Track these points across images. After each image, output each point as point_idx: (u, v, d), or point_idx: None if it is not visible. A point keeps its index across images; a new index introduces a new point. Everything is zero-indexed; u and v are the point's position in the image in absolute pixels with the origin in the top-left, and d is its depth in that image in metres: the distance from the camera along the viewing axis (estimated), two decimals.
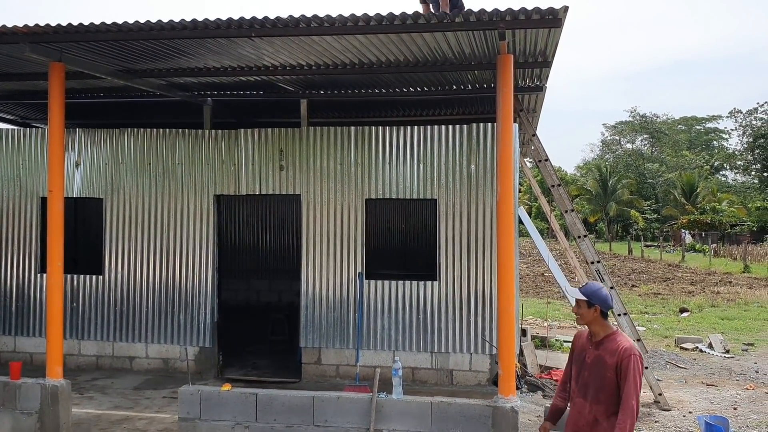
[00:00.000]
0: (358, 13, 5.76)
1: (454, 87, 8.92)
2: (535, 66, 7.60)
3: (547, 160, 9.22)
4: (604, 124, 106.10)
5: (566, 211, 9.11)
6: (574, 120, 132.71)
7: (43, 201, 10.02)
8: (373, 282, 9.27)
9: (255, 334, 11.97)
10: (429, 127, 9.21)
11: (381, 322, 9.21)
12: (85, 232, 11.81)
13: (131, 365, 9.81)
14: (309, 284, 9.37)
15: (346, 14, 5.76)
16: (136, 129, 9.87)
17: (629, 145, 75.42)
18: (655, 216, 58.42)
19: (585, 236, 9.06)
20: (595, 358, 3.90)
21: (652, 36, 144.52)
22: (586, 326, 4.01)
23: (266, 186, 9.53)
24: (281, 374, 9.51)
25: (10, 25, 5.95)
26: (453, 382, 9.08)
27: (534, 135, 9.33)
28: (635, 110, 73.47)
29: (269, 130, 9.59)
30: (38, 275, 9.99)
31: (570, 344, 4.53)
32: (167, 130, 9.81)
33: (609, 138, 78.24)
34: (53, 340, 6.23)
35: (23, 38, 6.00)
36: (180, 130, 9.78)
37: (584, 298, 3.92)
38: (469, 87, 8.88)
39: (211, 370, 9.50)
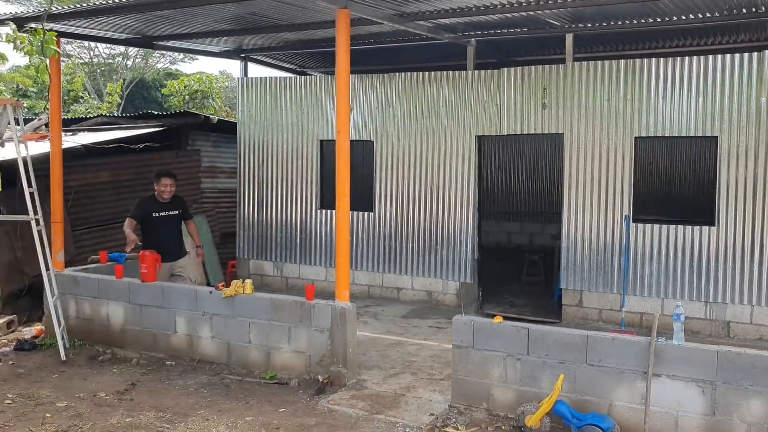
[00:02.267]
0: None
1: (744, 11, 7.99)
2: None
3: None
4: None
5: None
6: None
7: (322, 144, 10.96)
8: (640, 225, 8.85)
9: (509, 274, 12.12)
10: (710, 57, 8.40)
11: (648, 267, 8.79)
12: (359, 172, 12.73)
13: (398, 295, 10.51)
14: (570, 226, 9.21)
15: None
16: (403, 73, 10.31)
17: None
18: None
19: None
20: None
21: None
22: None
23: (527, 125, 9.45)
24: (540, 314, 9.56)
25: None
26: (729, 335, 8.44)
27: None
28: None
29: (532, 68, 9.44)
30: (317, 211, 11.03)
31: None
32: (432, 73, 10.10)
33: None
34: (341, 267, 6.86)
35: None
36: (444, 72, 10.02)
37: None
38: (762, 9, 7.90)
39: (472, 304, 9.85)
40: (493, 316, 6.31)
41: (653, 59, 8.70)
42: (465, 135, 9.87)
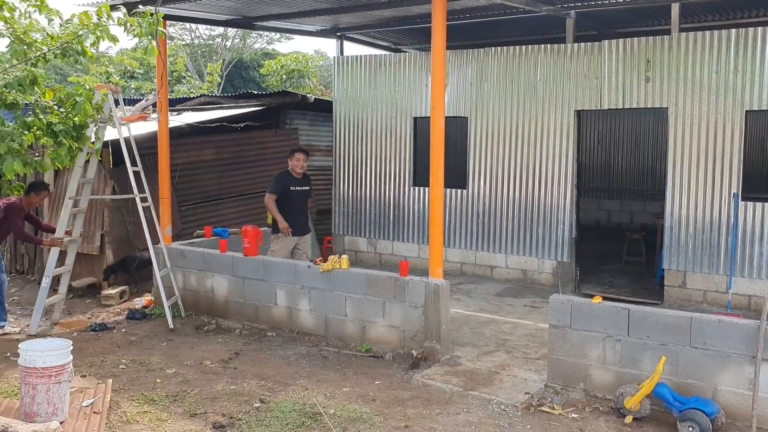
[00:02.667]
0: None
1: None
2: None
3: None
4: None
5: None
6: None
7: (415, 121, 10.98)
8: (749, 204, 8.40)
9: (609, 254, 11.80)
10: None
11: (758, 248, 8.35)
12: (452, 149, 12.69)
13: (491, 274, 10.45)
14: (674, 204, 8.85)
15: None
16: (499, 48, 10.14)
17: None
18: None
19: None
20: None
21: None
22: None
23: (629, 99, 9.12)
24: (640, 295, 9.28)
25: None
26: None
27: None
28: None
29: (635, 39, 9.08)
30: (411, 188, 11.08)
31: None
32: (529, 47, 9.89)
33: None
34: (435, 244, 6.89)
35: None
36: (542, 46, 9.78)
37: None
38: None
39: (569, 284, 9.67)
40: (590, 296, 6.18)
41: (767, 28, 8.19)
42: (564, 110, 9.63)
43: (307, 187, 8.46)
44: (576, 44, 9.51)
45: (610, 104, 9.27)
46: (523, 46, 9.94)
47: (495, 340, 7.47)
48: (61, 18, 6.57)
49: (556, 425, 5.36)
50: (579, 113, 9.61)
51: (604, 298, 6.09)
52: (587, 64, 9.38)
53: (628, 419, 5.38)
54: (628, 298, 8.88)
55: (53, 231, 8.33)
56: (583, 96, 9.45)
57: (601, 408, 5.62)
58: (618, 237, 12.22)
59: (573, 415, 5.54)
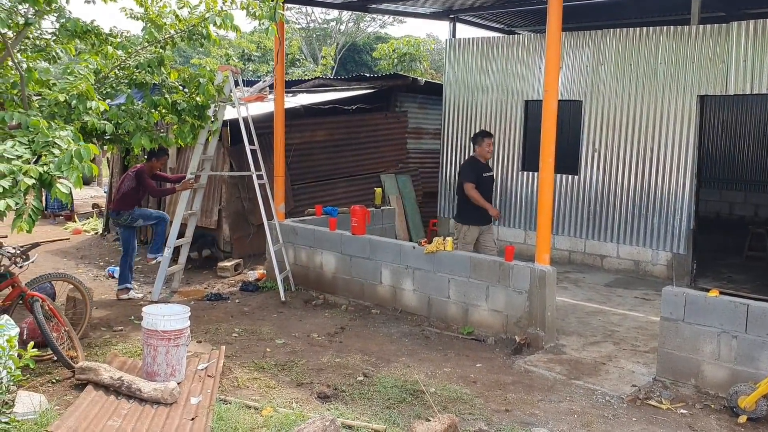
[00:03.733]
0: None
1: None
2: None
3: None
4: None
5: None
6: None
7: (527, 104, 10.79)
8: None
9: (729, 248, 11.19)
10: None
11: None
12: (564, 133, 12.40)
13: (601, 263, 10.17)
14: None
15: None
16: (617, 30, 9.77)
17: None
18: None
19: None
20: None
21: None
22: None
23: (759, 85, 8.57)
24: (762, 291, 8.72)
25: None
26: None
27: None
28: None
29: (766, 21, 8.50)
30: (519, 173, 10.92)
31: None
32: (650, 29, 9.47)
33: None
34: (542, 230, 6.78)
35: None
36: (664, 27, 9.35)
37: None
38: None
39: (684, 277, 9.26)
40: (707, 290, 5.91)
41: None
42: (686, 95, 9.18)
43: (492, 173, 8.35)
44: (701, 26, 9.02)
45: (737, 90, 8.75)
46: (644, 28, 9.53)
47: (602, 331, 7.30)
48: (189, 6, 6.92)
49: (663, 420, 5.19)
50: (702, 99, 9.14)
51: (722, 294, 5.81)
52: (713, 46, 8.89)
53: (742, 419, 5.13)
54: (748, 294, 8.39)
55: (181, 180, 8.83)
56: (708, 80, 8.97)
57: (712, 405, 5.39)
58: (740, 230, 11.55)
59: (682, 410, 5.34)
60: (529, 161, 10.70)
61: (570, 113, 10.24)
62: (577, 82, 10.18)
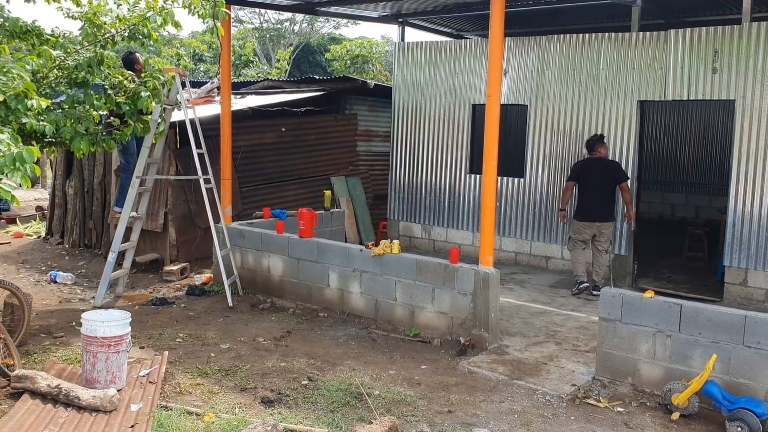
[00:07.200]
0: None
1: None
2: None
3: None
4: None
5: None
6: None
7: (474, 107, 10.93)
8: None
9: (670, 248, 11.52)
10: None
11: None
12: (510, 137, 12.60)
13: (546, 264, 10.36)
14: (738, 200, 8.58)
15: None
16: (561, 35, 9.98)
17: None
18: None
19: None
20: None
21: None
22: None
23: (695, 91, 8.85)
24: (699, 291, 9.04)
25: None
26: None
27: None
28: None
29: (702, 29, 8.79)
30: (467, 175, 11.05)
31: None
32: (592, 35, 9.70)
33: None
34: (486, 232, 6.88)
35: None
36: (606, 34, 9.58)
37: None
38: None
39: (625, 278, 9.50)
40: (646, 290, 6.09)
41: None
42: (626, 100, 9.42)
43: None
44: (642, 33, 9.28)
45: (675, 95, 9.03)
46: (587, 34, 9.75)
47: (545, 331, 7.44)
48: (128, 3, 6.81)
49: (601, 418, 5.33)
50: (642, 104, 9.39)
51: (661, 294, 6.00)
52: (652, 53, 9.14)
53: (675, 416, 5.30)
54: (686, 294, 8.67)
55: None
56: (647, 86, 9.22)
57: (648, 403, 5.55)
58: (681, 232, 11.91)
59: (619, 408, 5.49)
60: (477, 164, 10.83)
61: (517, 117, 10.40)
62: (522, 87, 10.36)
